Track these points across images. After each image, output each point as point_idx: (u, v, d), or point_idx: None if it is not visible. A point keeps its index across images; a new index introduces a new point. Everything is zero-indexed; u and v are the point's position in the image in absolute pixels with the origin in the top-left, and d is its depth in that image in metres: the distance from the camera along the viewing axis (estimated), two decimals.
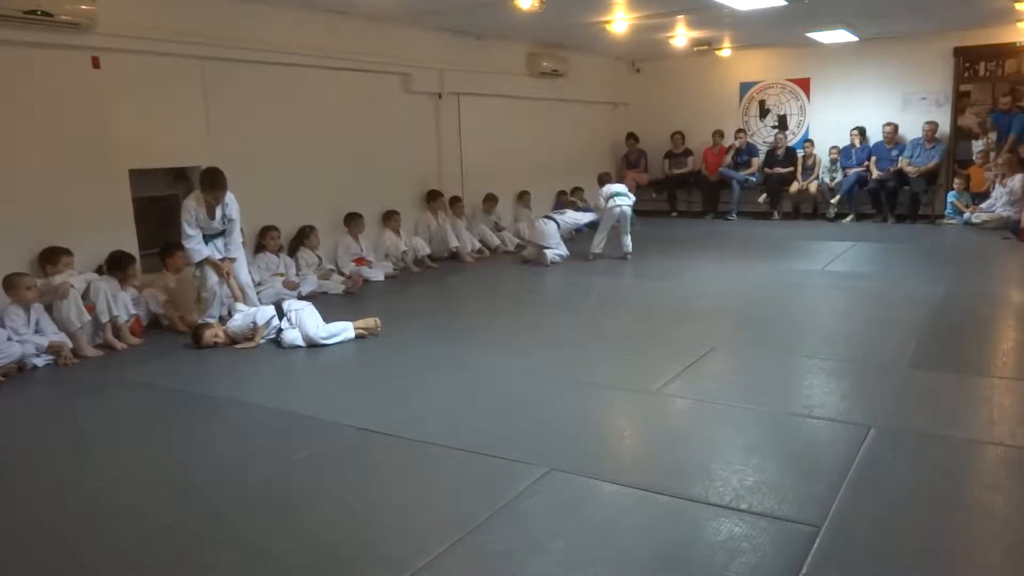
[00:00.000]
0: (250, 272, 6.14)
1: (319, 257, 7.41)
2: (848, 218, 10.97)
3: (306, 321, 5.30)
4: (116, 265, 5.61)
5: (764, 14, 8.38)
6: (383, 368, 4.87)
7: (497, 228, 9.52)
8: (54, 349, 4.95)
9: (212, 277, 5.63)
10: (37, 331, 4.97)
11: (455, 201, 9.04)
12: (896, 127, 10.78)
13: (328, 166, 7.65)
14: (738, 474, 3.09)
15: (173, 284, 6.07)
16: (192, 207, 5.54)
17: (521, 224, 9.83)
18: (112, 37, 5.77)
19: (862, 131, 10.99)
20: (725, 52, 11.56)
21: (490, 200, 9.60)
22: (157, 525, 2.87)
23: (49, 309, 5.09)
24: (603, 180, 9.24)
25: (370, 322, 5.44)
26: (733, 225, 11.33)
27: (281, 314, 5.38)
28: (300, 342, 5.27)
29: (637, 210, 12.57)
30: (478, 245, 8.96)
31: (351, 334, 5.35)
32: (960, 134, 10.74)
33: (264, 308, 5.49)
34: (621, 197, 8.54)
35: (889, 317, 5.66)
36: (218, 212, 5.58)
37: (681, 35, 10.05)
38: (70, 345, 5.03)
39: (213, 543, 2.74)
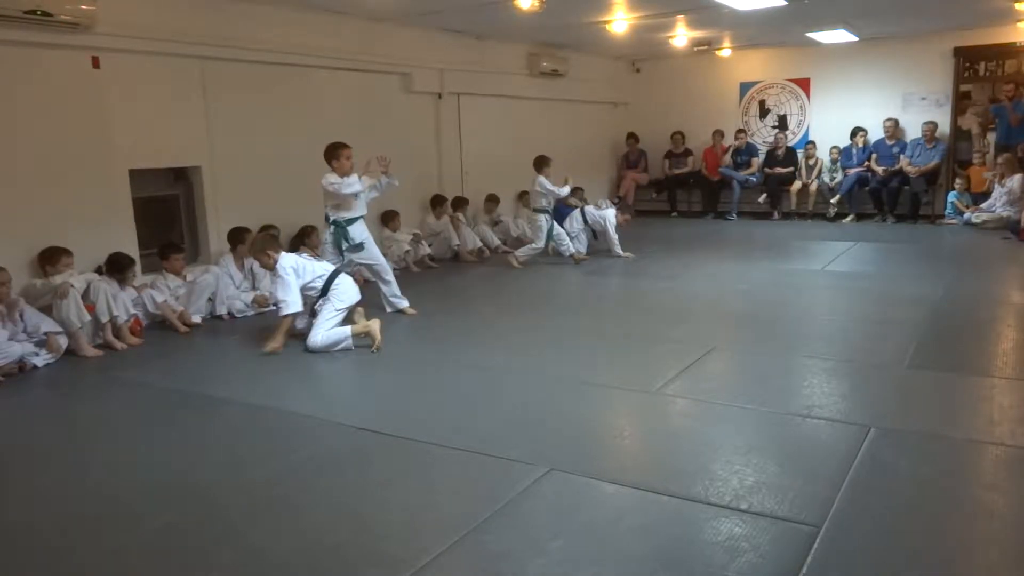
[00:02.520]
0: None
1: (319, 257, 7.40)
2: (848, 218, 10.98)
3: (319, 324, 5.14)
4: (115, 267, 5.60)
5: (764, 14, 8.38)
6: (383, 368, 4.87)
7: (493, 224, 9.50)
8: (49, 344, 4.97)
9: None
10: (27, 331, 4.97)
11: (461, 203, 9.04)
12: (896, 122, 10.81)
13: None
14: (738, 474, 3.09)
15: (178, 284, 6.07)
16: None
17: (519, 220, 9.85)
18: (112, 37, 5.77)
19: (864, 133, 10.98)
20: (725, 52, 11.56)
21: (491, 200, 9.60)
22: (157, 525, 2.87)
23: (49, 309, 5.09)
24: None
25: (371, 325, 5.19)
26: (733, 225, 11.33)
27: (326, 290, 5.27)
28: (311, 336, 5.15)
29: (638, 210, 12.66)
30: (480, 245, 8.97)
31: (350, 343, 5.15)
32: (960, 135, 10.75)
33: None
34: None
35: (889, 317, 5.66)
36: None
37: (681, 35, 10.05)
38: (64, 343, 5.04)
39: (213, 543, 2.74)
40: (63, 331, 5.06)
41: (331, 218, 5.98)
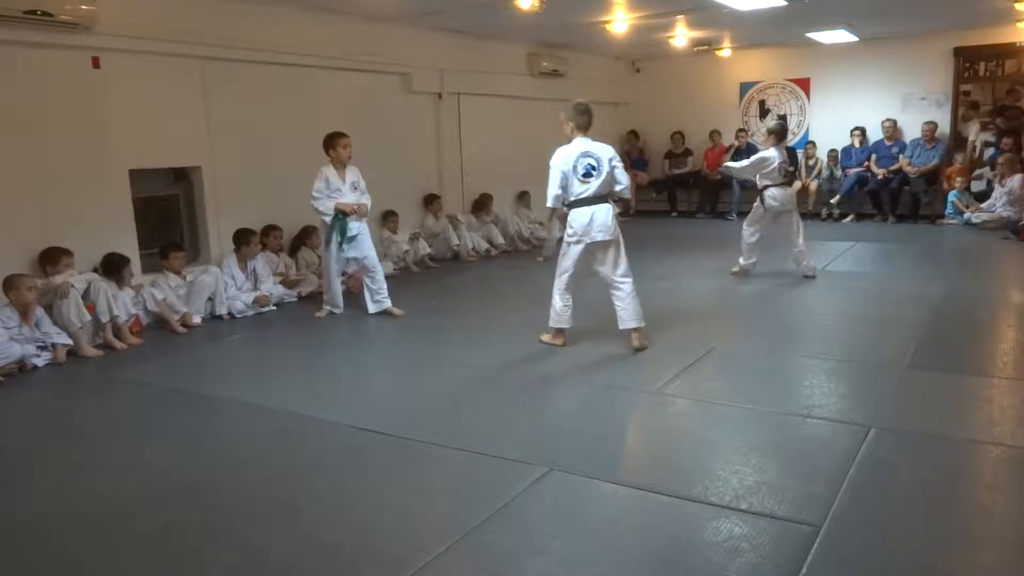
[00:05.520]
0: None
1: (319, 257, 7.40)
2: (848, 218, 10.98)
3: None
4: (111, 268, 5.58)
5: (764, 14, 8.38)
6: (383, 368, 4.87)
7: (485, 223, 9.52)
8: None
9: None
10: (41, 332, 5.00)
11: (486, 201, 9.20)
12: (895, 122, 10.82)
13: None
14: (738, 474, 3.09)
15: (179, 284, 6.07)
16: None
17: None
18: (112, 37, 5.77)
19: (863, 131, 11.00)
20: (725, 52, 11.56)
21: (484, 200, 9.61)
22: (157, 525, 2.87)
23: (49, 309, 5.09)
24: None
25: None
26: (733, 225, 11.29)
27: None
28: None
29: (638, 210, 12.66)
30: (485, 245, 9.00)
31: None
32: (959, 140, 10.74)
33: None
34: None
35: (889, 317, 5.66)
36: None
37: (681, 35, 10.05)
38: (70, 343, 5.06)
39: (213, 543, 2.74)
40: (72, 344, 5.09)
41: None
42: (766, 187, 7.14)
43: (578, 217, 4.82)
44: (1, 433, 4.02)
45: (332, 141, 5.92)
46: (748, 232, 7.29)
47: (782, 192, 7.14)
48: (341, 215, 5.88)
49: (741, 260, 7.33)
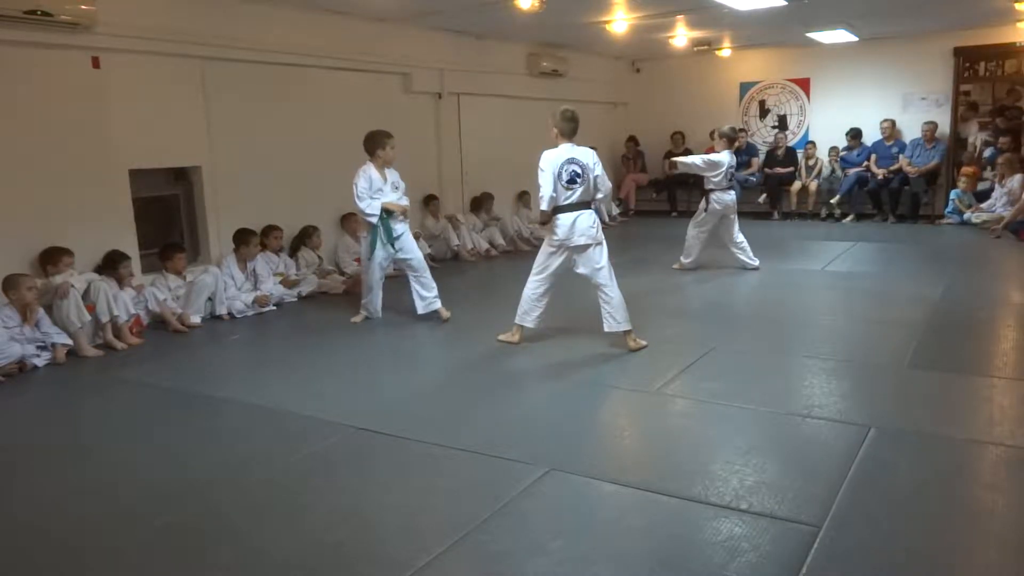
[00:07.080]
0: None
1: (320, 257, 7.41)
2: (848, 218, 10.98)
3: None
4: (109, 264, 5.59)
5: (764, 14, 8.38)
6: (383, 368, 4.87)
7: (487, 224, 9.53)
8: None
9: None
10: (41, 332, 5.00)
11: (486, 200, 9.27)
12: (893, 122, 10.82)
13: (328, 166, 7.63)
14: (738, 474, 3.09)
15: (179, 284, 6.07)
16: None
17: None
18: (112, 37, 5.77)
19: (855, 134, 10.98)
20: (725, 52, 11.56)
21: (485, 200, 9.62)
22: (157, 525, 2.87)
23: (49, 309, 5.09)
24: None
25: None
26: None
27: None
28: None
29: (638, 210, 12.66)
30: (485, 245, 9.02)
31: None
32: (958, 141, 10.73)
33: None
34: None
35: (889, 317, 5.67)
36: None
37: (681, 35, 10.05)
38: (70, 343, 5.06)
39: (213, 543, 2.74)
40: (72, 344, 5.09)
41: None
42: (711, 190, 7.45)
43: (563, 223, 4.90)
44: (1, 433, 4.02)
45: (382, 140, 5.64)
46: (692, 233, 7.67)
47: (727, 196, 7.49)
48: (384, 218, 5.61)
49: (683, 258, 7.69)
